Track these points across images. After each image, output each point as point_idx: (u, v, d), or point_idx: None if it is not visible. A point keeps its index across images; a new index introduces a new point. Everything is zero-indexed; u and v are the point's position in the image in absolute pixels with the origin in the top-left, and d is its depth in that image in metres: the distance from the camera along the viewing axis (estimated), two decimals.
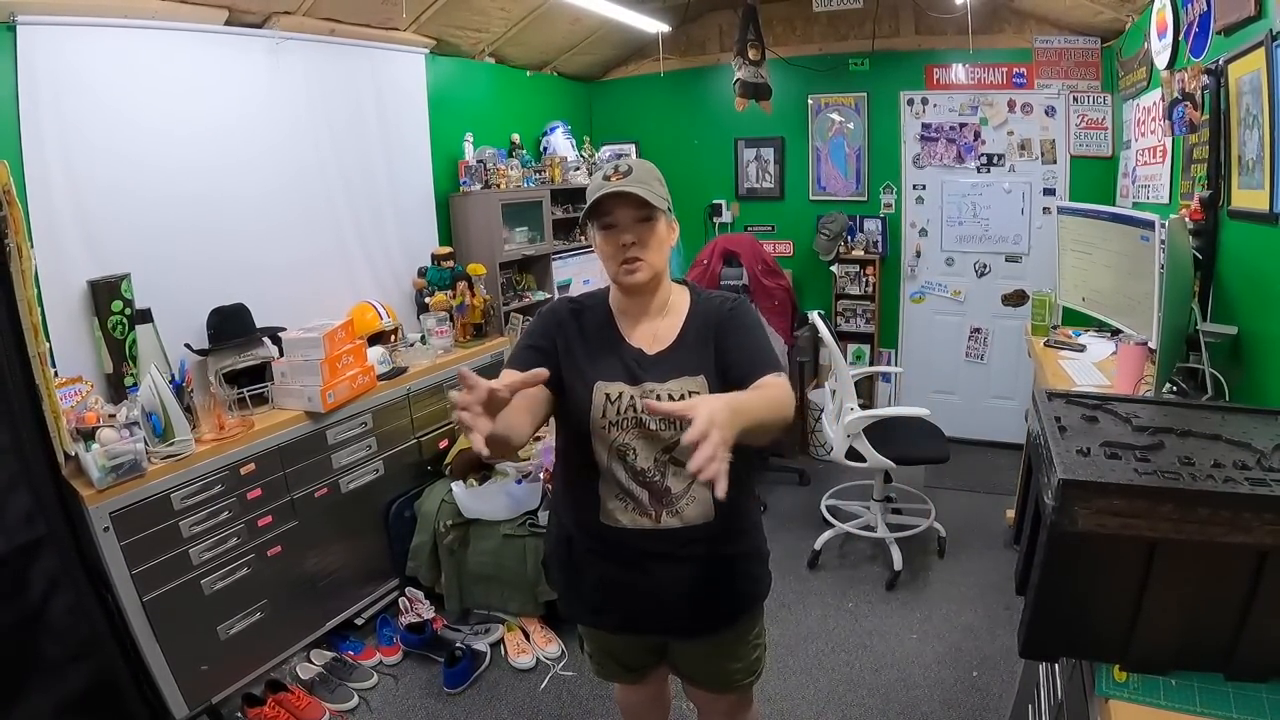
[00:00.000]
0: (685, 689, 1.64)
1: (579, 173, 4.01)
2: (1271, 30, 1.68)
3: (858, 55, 4.13)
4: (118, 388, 2.23)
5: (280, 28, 2.69)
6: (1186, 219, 2.14)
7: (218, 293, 2.51)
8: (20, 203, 1.78)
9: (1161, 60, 2.55)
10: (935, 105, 4.02)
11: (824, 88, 4.22)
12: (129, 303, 2.24)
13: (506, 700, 2.37)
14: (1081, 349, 2.67)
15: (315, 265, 2.94)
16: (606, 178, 1.28)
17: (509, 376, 1.04)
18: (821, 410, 3.47)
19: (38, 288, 1.91)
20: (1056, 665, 1.39)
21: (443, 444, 2.96)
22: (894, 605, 2.80)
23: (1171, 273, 1.82)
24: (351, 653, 2.56)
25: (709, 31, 4.43)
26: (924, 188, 4.14)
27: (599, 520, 1.34)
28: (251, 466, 2.26)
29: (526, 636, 2.61)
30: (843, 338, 4.33)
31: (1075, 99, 3.71)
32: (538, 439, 2.73)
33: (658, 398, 1.28)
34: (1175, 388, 1.90)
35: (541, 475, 2.69)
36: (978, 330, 4.19)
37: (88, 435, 1.94)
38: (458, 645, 2.50)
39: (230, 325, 2.48)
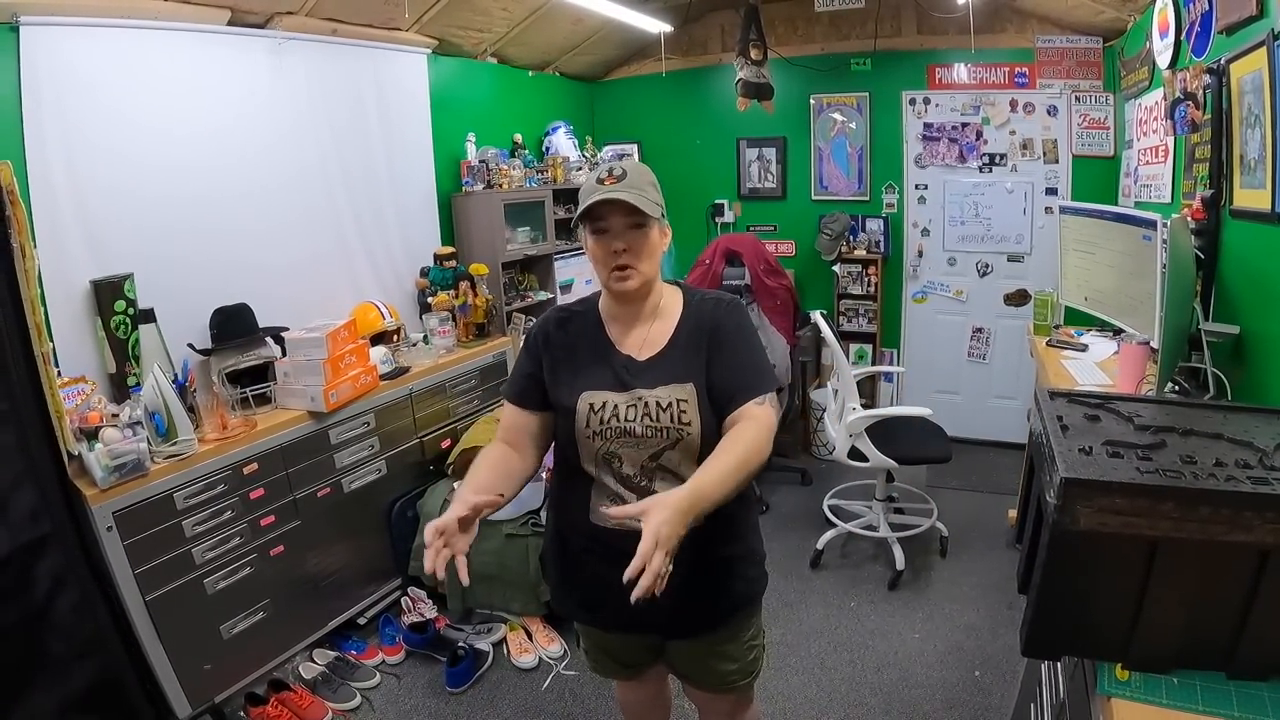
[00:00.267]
0: (684, 688, 1.64)
1: (581, 173, 4.00)
2: (1273, 30, 1.68)
3: (859, 55, 4.13)
4: (121, 387, 2.24)
5: (282, 28, 2.70)
6: (1188, 218, 2.14)
7: (220, 292, 2.51)
8: (23, 202, 1.79)
9: (1163, 60, 2.55)
10: (937, 105, 4.02)
11: (826, 87, 4.22)
12: (132, 302, 2.25)
13: (509, 700, 2.38)
14: (1084, 348, 2.66)
15: (318, 265, 2.95)
16: (600, 181, 1.28)
17: (468, 498, 1.15)
18: (824, 410, 3.47)
19: (41, 288, 1.92)
20: (1058, 664, 1.39)
21: (445, 444, 2.97)
22: (896, 605, 2.80)
23: (1173, 272, 1.82)
24: (354, 652, 2.56)
25: (711, 31, 4.43)
26: (926, 187, 4.14)
27: (590, 520, 1.35)
28: (254, 466, 2.27)
29: (529, 636, 2.61)
30: (845, 337, 4.32)
31: (1077, 98, 3.71)
32: None
33: (646, 404, 1.29)
34: (1177, 387, 1.90)
35: (544, 475, 2.69)
36: (980, 330, 4.19)
37: (91, 435, 1.94)
38: (460, 645, 2.51)
39: (233, 325, 2.48)
